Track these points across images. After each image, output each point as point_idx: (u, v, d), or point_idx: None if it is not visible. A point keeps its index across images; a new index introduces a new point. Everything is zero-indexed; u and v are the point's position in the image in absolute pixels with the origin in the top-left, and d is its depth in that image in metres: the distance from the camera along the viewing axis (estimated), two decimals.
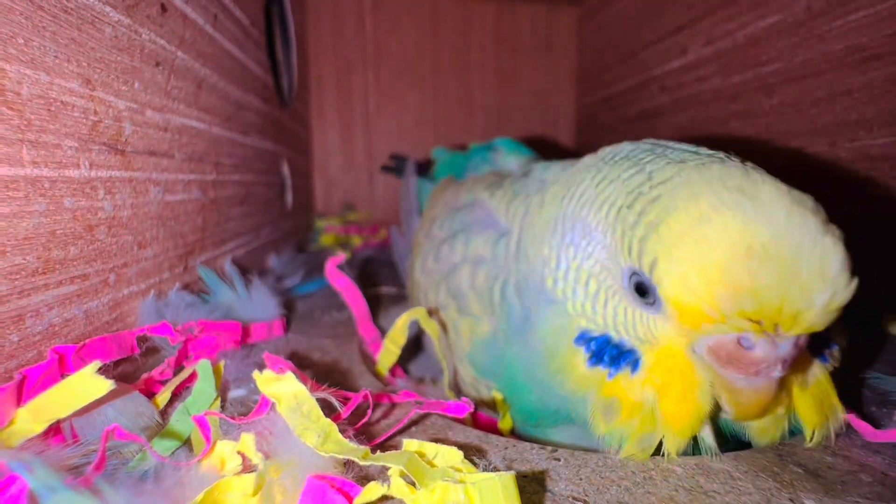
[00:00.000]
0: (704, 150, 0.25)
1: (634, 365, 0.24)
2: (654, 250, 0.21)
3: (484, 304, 0.33)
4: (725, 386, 0.22)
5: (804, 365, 0.24)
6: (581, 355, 0.25)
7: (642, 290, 0.23)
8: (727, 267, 0.19)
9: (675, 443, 0.22)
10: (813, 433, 0.23)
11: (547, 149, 0.64)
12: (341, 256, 0.37)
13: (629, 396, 0.23)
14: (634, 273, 0.23)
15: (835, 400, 0.24)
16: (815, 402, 0.23)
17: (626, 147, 0.27)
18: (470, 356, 0.34)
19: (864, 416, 0.26)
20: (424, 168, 0.68)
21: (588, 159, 0.29)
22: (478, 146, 0.58)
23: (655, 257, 0.21)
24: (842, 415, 0.24)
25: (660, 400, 0.23)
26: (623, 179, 0.24)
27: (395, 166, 0.87)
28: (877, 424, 0.25)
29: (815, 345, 0.23)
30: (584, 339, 0.25)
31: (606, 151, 0.28)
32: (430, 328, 0.34)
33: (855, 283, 0.20)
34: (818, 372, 0.24)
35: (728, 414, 0.22)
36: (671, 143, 0.26)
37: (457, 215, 0.39)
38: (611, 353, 0.24)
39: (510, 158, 0.46)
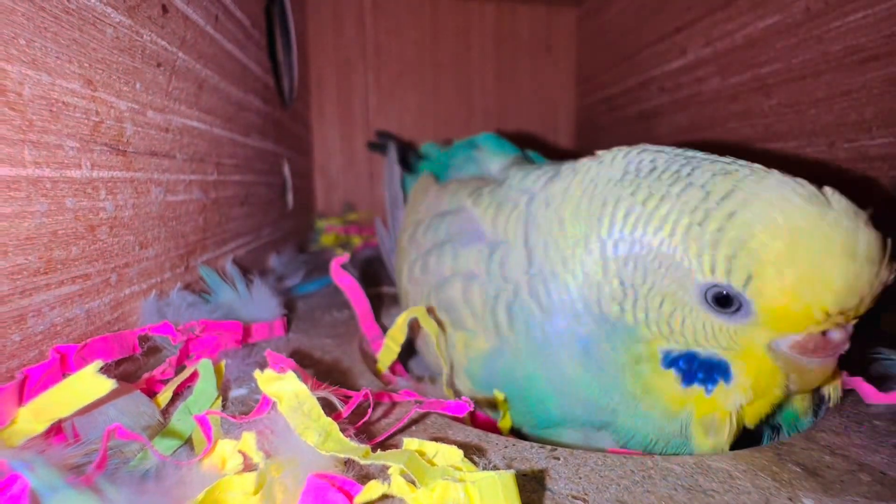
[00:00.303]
0: (719, 157, 0.26)
1: (727, 376, 0.25)
2: (747, 267, 0.23)
3: (480, 321, 0.33)
4: (800, 369, 0.24)
5: None
6: (672, 377, 0.26)
7: (724, 303, 0.24)
8: (836, 274, 0.22)
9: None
10: (829, 393, 0.27)
11: (546, 149, 0.64)
12: (345, 256, 0.37)
13: (725, 408, 0.25)
14: (713, 287, 0.24)
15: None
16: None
17: (647, 158, 0.27)
18: (467, 370, 0.34)
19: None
20: (406, 152, 0.66)
21: (603, 171, 0.28)
22: (460, 143, 0.55)
23: (750, 274, 0.23)
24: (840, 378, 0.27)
25: (750, 401, 0.25)
26: (675, 195, 0.25)
27: (382, 143, 0.87)
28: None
29: None
30: (670, 359, 0.26)
31: (630, 164, 0.27)
32: (430, 327, 0.34)
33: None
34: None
35: (793, 388, 0.25)
36: (681, 151, 0.27)
37: (441, 223, 0.39)
38: (704, 369, 0.25)
39: (494, 160, 0.44)
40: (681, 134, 0.72)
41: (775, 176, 0.24)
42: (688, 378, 0.25)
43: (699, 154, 0.27)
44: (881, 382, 0.29)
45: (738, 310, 0.24)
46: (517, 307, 0.30)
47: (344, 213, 1.07)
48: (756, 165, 0.25)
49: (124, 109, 0.31)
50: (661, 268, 0.25)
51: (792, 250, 0.22)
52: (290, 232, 0.78)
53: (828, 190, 0.23)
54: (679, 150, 0.27)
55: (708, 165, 0.25)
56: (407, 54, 1.07)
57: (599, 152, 0.30)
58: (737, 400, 0.25)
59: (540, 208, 0.31)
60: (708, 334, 0.25)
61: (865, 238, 0.22)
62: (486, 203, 0.36)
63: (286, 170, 0.77)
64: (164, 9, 0.36)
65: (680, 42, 0.72)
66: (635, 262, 0.26)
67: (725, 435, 0.25)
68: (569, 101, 1.13)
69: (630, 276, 0.26)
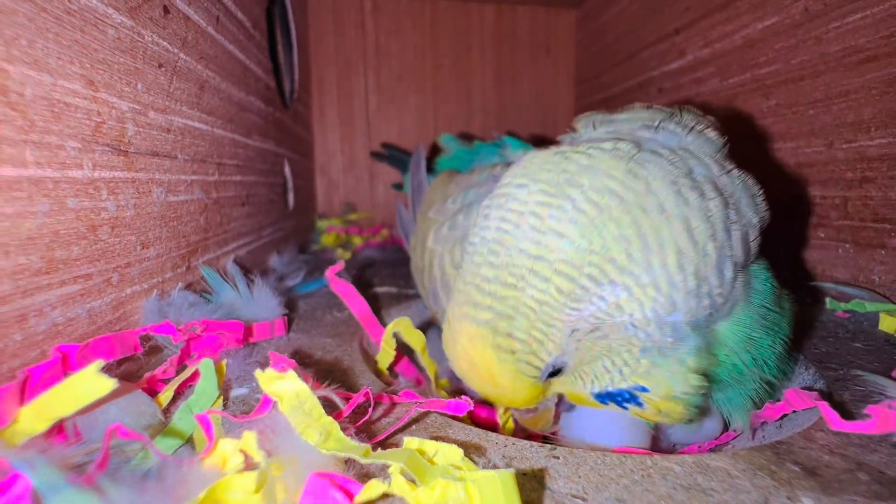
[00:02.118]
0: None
1: None
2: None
3: None
4: None
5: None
6: None
7: None
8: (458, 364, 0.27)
9: None
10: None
11: None
12: (340, 264, 0.38)
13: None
14: None
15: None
16: None
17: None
18: None
19: (842, 411, 0.26)
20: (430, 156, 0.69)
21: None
22: (484, 144, 0.59)
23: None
24: None
25: None
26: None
27: (388, 155, 0.91)
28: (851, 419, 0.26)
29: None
30: None
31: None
32: (414, 339, 0.35)
33: (524, 394, 0.26)
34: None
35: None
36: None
37: (470, 190, 0.42)
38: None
39: (518, 151, 0.47)
40: None
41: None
42: None
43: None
44: (857, 403, 0.28)
45: None
46: None
47: (344, 214, 1.07)
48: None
49: (126, 110, 0.31)
50: None
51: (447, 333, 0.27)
52: (291, 232, 0.78)
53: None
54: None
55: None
56: (407, 55, 1.07)
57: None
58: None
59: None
60: None
61: (460, 342, 0.26)
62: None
63: (287, 170, 0.77)
64: (166, 10, 0.36)
65: (679, 43, 0.73)
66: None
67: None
68: (568, 102, 1.14)
69: None
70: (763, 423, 0.31)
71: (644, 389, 0.26)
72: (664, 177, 0.25)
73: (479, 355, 0.25)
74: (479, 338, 0.25)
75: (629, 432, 0.30)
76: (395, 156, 0.93)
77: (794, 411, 0.28)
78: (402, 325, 0.35)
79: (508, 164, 0.42)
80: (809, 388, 0.32)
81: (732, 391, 0.29)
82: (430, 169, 0.64)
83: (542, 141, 0.48)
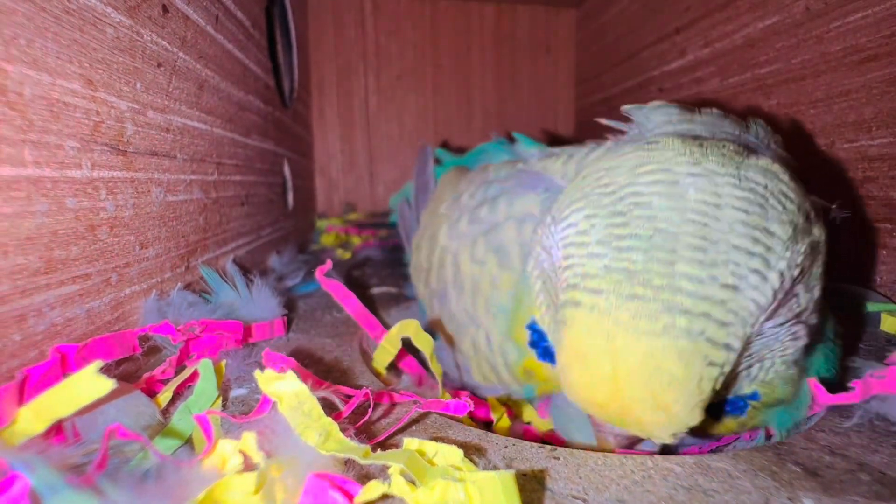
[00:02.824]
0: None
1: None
2: (564, 315, 0.23)
3: (524, 261, 0.33)
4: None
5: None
6: (527, 339, 0.30)
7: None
8: (588, 377, 0.22)
9: None
10: None
11: None
12: (328, 263, 0.38)
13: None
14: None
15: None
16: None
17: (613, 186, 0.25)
18: (506, 309, 0.33)
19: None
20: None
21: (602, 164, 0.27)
22: (486, 144, 0.58)
23: (565, 321, 0.23)
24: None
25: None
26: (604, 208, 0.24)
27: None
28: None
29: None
30: (530, 326, 0.29)
31: (603, 178, 0.25)
32: (423, 343, 0.33)
33: (695, 420, 0.21)
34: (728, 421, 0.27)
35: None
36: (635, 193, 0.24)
37: (491, 185, 0.40)
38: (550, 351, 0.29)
39: (531, 149, 0.45)
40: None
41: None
42: (539, 350, 0.29)
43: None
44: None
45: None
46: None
47: (344, 214, 1.07)
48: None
49: (125, 109, 0.31)
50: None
51: (576, 327, 0.22)
52: (291, 232, 0.78)
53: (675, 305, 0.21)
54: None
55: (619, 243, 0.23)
56: (407, 55, 1.07)
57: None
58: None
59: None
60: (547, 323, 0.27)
61: (629, 360, 0.20)
62: (558, 156, 0.36)
63: (286, 170, 0.77)
64: (165, 9, 0.36)
65: (679, 43, 0.72)
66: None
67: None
68: (568, 102, 1.14)
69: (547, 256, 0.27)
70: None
71: (755, 397, 0.25)
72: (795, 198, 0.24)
73: (680, 380, 0.20)
74: (691, 355, 0.20)
75: None
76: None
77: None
78: (410, 328, 0.33)
79: (548, 156, 0.38)
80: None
81: (786, 411, 0.28)
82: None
83: (555, 141, 0.48)
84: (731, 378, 0.24)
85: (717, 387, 0.21)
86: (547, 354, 0.29)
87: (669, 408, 0.21)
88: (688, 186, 0.22)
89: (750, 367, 0.25)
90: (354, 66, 1.05)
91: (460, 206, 0.42)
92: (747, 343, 0.22)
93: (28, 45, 0.23)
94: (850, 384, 0.26)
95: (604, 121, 0.35)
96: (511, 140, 0.53)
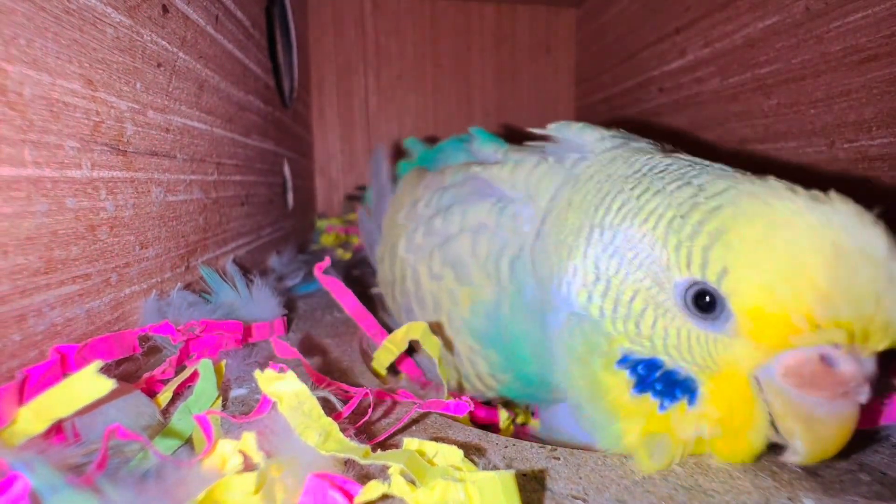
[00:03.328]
0: (736, 170, 0.24)
1: (692, 396, 0.22)
2: (722, 258, 0.20)
3: (486, 273, 0.32)
4: (802, 416, 0.19)
5: None
6: (624, 380, 0.23)
7: (703, 306, 0.21)
8: (822, 270, 0.18)
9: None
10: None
11: None
12: (327, 260, 0.37)
13: (679, 434, 0.22)
14: (694, 284, 0.21)
15: None
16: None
17: (661, 160, 0.26)
18: (468, 323, 0.33)
19: None
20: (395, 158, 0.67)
21: (614, 167, 0.27)
22: (448, 140, 0.55)
23: (725, 266, 0.20)
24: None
25: (716, 437, 0.22)
26: (670, 192, 0.23)
27: (360, 195, 0.89)
28: None
29: None
30: (628, 361, 0.23)
31: (640, 162, 0.26)
32: (431, 345, 0.32)
33: None
34: None
35: (797, 455, 0.20)
36: (699, 160, 0.25)
37: (445, 193, 0.38)
38: (665, 382, 0.22)
39: (487, 147, 0.43)
40: (680, 134, 0.72)
41: (780, 182, 0.21)
42: (641, 385, 0.22)
43: (719, 166, 0.25)
44: None
45: (719, 317, 0.20)
46: (519, 264, 0.30)
47: (344, 214, 1.07)
48: (770, 177, 0.22)
49: (124, 109, 0.31)
50: (638, 259, 0.23)
51: (770, 239, 0.19)
52: (291, 232, 0.78)
53: (833, 193, 0.20)
54: (703, 162, 0.25)
55: (716, 172, 0.23)
56: (407, 55, 1.07)
57: (633, 146, 0.29)
58: (696, 429, 0.22)
59: (586, 172, 0.29)
60: (682, 344, 0.21)
61: (865, 234, 0.18)
62: (503, 164, 0.35)
63: (286, 170, 0.77)
64: (165, 9, 0.36)
65: (679, 43, 0.72)
66: (613, 252, 0.24)
67: (669, 460, 0.22)
68: (568, 102, 1.13)
69: (605, 266, 0.24)
70: None
71: None
72: None
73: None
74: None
75: None
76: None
77: None
78: (417, 331, 0.32)
79: (494, 164, 0.37)
80: None
81: None
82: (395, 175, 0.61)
83: (515, 134, 0.46)
84: None
85: None
86: (657, 390, 0.23)
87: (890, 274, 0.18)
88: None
89: None
90: (354, 66, 1.05)
91: (416, 216, 0.40)
92: None
93: (28, 44, 0.23)
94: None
95: (537, 130, 0.35)
96: (513, 137, 0.52)
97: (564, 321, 0.26)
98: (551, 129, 0.33)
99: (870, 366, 0.19)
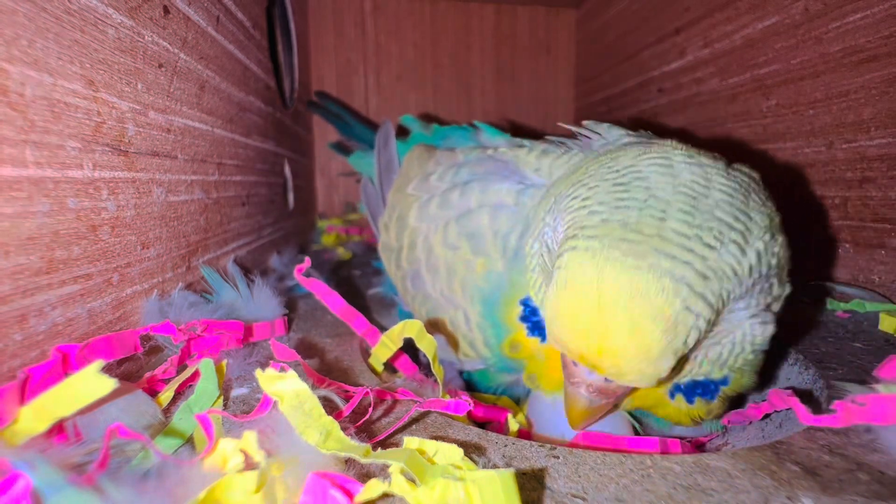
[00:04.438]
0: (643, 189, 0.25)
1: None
2: (546, 292, 0.26)
3: (498, 247, 0.34)
4: (566, 384, 0.27)
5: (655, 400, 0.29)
6: (518, 313, 0.32)
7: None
8: (562, 317, 0.24)
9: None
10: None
11: None
12: (306, 261, 0.36)
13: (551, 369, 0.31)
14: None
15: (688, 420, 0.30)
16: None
17: (626, 168, 0.27)
18: (482, 290, 0.35)
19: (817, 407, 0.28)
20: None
21: (594, 164, 0.29)
22: (451, 126, 0.56)
23: (542, 299, 0.27)
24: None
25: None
26: (576, 208, 0.26)
27: (325, 107, 0.89)
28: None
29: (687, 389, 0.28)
30: (523, 302, 0.31)
31: (606, 166, 0.28)
32: (426, 344, 0.32)
33: (666, 365, 0.23)
34: (679, 404, 0.29)
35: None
36: (646, 166, 0.27)
37: (461, 169, 0.40)
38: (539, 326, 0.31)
39: (497, 138, 0.45)
40: (680, 134, 0.72)
41: (623, 226, 0.24)
42: (529, 324, 0.31)
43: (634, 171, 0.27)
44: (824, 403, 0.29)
45: None
46: (522, 242, 0.33)
47: (345, 214, 1.07)
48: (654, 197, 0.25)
49: (126, 110, 0.31)
50: (543, 248, 0.29)
51: (558, 287, 0.24)
52: (292, 232, 0.78)
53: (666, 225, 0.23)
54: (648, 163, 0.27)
55: (636, 193, 0.25)
56: (407, 55, 1.07)
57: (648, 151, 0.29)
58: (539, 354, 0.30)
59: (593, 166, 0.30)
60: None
61: (606, 287, 0.23)
62: (530, 149, 0.37)
63: (287, 170, 0.77)
64: (166, 10, 0.36)
65: (679, 43, 0.73)
66: (540, 234, 0.29)
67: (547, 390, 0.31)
68: (568, 102, 1.14)
69: (534, 242, 0.30)
70: (749, 423, 0.31)
71: (726, 382, 0.28)
72: None
73: (659, 312, 0.22)
74: (672, 293, 0.22)
75: (611, 422, 0.30)
76: (332, 109, 0.88)
77: (776, 410, 0.29)
78: (413, 329, 0.33)
79: (518, 146, 0.39)
80: (808, 389, 0.32)
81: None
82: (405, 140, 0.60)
83: (516, 132, 0.47)
84: (699, 350, 0.26)
85: (691, 342, 0.23)
86: (536, 329, 0.31)
87: (646, 338, 0.22)
88: (682, 170, 0.26)
89: (721, 348, 0.26)
90: (354, 66, 1.06)
91: (429, 188, 0.42)
92: (719, 313, 0.24)
93: (29, 45, 0.23)
94: (832, 406, 0.26)
95: (570, 126, 0.38)
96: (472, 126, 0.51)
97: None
98: (586, 125, 0.36)
99: (608, 385, 0.25)
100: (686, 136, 0.70)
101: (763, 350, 0.28)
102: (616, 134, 0.35)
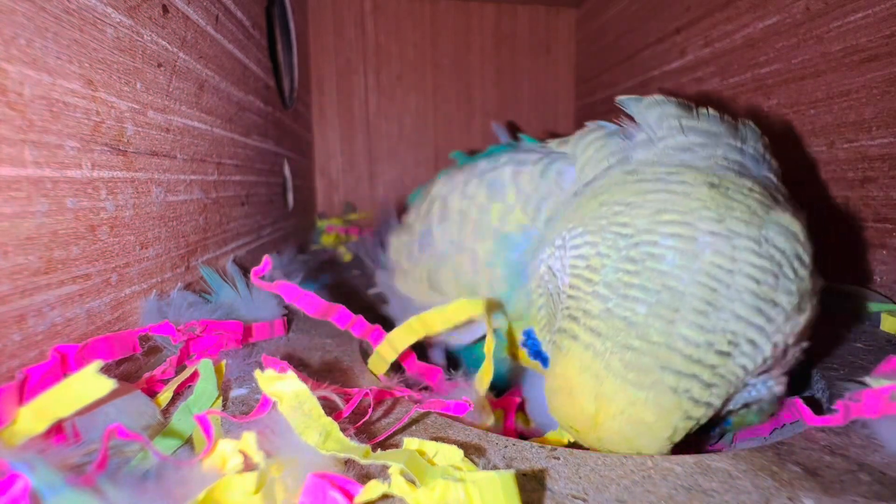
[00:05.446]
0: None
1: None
2: (562, 336, 0.25)
3: (525, 208, 0.33)
4: None
5: None
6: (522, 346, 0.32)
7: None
8: (564, 399, 0.24)
9: None
10: None
11: None
12: (265, 263, 0.33)
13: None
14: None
15: None
16: None
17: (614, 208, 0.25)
18: (497, 230, 0.34)
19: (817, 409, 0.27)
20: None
21: (631, 178, 0.27)
22: (494, 147, 0.57)
23: (562, 347, 0.25)
24: None
25: None
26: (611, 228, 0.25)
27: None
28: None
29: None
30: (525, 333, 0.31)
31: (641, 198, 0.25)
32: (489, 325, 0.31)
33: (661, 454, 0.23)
34: None
35: None
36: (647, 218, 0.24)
37: (500, 157, 0.40)
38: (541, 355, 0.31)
39: (536, 143, 0.46)
40: None
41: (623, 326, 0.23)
42: (531, 352, 0.31)
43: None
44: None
45: None
46: (545, 207, 0.32)
47: (344, 214, 1.07)
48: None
49: (125, 109, 0.31)
50: (555, 278, 0.28)
51: (559, 366, 0.24)
52: (291, 232, 0.78)
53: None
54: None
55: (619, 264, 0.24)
56: (407, 55, 1.07)
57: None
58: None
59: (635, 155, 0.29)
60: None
61: (613, 405, 0.22)
62: (565, 141, 0.36)
63: (287, 170, 0.77)
64: (165, 9, 0.36)
65: (679, 43, 0.72)
66: (552, 256, 0.28)
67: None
68: (568, 102, 1.13)
69: (546, 266, 0.29)
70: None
71: (727, 423, 0.28)
72: None
73: (655, 431, 0.22)
74: (671, 410, 0.22)
75: None
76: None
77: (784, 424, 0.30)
78: (477, 308, 0.31)
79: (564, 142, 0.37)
80: (811, 393, 0.32)
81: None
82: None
83: (516, 133, 0.47)
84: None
85: (691, 433, 0.23)
86: (538, 356, 0.31)
87: (640, 446, 0.23)
88: (705, 247, 0.22)
89: (728, 409, 0.25)
90: (354, 66, 1.05)
91: (462, 170, 0.42)
92: (729, 398, 0.23)
93: (28, 44, 0.23)
94: (833, 406, 0.26)
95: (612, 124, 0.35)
96: (513, 135, 0.52)
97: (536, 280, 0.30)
98: (620, 100, 0.33)
99: None
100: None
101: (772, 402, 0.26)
102: (654, 122, 0.30)
